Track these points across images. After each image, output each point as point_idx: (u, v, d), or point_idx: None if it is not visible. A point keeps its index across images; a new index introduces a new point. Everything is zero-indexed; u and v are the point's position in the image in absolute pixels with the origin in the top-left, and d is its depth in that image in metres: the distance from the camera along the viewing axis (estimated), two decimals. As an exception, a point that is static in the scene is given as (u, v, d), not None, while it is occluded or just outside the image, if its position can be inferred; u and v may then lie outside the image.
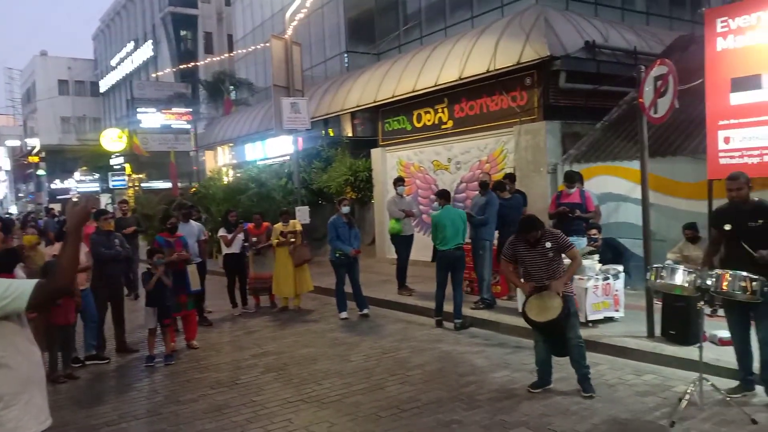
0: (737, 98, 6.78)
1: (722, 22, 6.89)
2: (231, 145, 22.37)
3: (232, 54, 29.73)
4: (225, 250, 9.54)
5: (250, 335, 8.07)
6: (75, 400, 5.76)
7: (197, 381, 6.14)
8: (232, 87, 27.84)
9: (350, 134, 16.13)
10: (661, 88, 6.39)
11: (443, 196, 8.08)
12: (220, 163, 23.39)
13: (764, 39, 6.54)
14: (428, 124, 12.84)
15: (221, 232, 9.56)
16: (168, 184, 24.41)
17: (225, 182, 18.74)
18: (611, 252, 8.02)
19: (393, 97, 13.11)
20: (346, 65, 19.43)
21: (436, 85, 12.01)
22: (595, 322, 6.95)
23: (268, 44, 14.88)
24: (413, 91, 12.56)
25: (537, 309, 5.11)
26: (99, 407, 5.53)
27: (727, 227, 4.76)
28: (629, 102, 9.84)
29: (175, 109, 29.65)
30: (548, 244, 5.17)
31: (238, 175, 18.58)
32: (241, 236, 9.52)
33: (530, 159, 10.53)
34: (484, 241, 8.32)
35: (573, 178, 8.43)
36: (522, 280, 5.41)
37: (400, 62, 13.71)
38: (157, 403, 5.55)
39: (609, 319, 7.08)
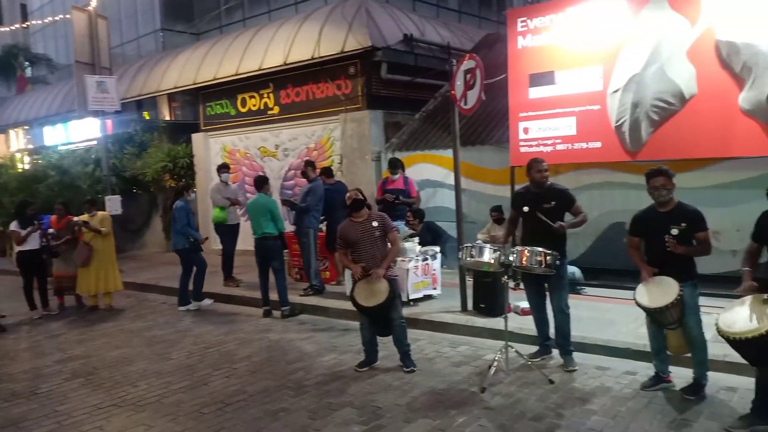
0: (534, 92, 7.52)
1: (522, 22, 7.58)
2: (26, 128, 19.76)
3: (26, 25, 26.22)
4: (19, 247, 8.38)
5: (53, 339, 7.23)
6: None
7: (-14, 396, 5.35)
8: (27, 63, 24.62)
9: (168, 118, 15.13)
10: (470, 82, 6.88)
11: (256, 183, 7.99)
12: (13, 148, 20.56)
13: (556, 40, 7.32)
14: (254, 109, 12.51)
15: (13, 226, 8.37)
16: (-54, 173, 20.98)
17: (19, 170, 16.59)
18: (431, 234, 8.49)
19: (215, 79, 12.56)
20: (162, 44, 18.18)
21: (260, 70, 11.74)
22: (416, 301, 7.34)
23: (69, 16, 13.33)
24: (236, 75, 12.14)
25: (365, 294, 5.27)
26: None
27: (525, 209, 5.27)
28: (443, 94, 10.49)
29: (-47, 86, 25.54)
30: (375, 224, 5.38)
31: (37, 161, 16.53)
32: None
33: (356, 146, 10.76)
34: (307, 228, 8.33)
35: (396, 165, 8.82)
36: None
37: (222, 43, 13.16)
38: (-69, 427, 4.74)
39: (428, 297, 7.53)
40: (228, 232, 9.59)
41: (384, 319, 5.34)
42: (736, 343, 3.66)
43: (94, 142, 14.65)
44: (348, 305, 7.46)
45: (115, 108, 11.25)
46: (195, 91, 13.47)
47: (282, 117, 12.01)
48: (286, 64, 11.31)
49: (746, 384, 4.23)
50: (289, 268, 9.23)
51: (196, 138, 13.53)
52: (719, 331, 3.73)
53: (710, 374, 4.51)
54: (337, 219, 8.67)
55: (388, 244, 5.47)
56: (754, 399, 3.91)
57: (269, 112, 12.24)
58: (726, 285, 5.54)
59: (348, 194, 5.44)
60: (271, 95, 12.17)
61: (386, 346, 5.61)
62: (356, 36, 10.48)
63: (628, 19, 6.84)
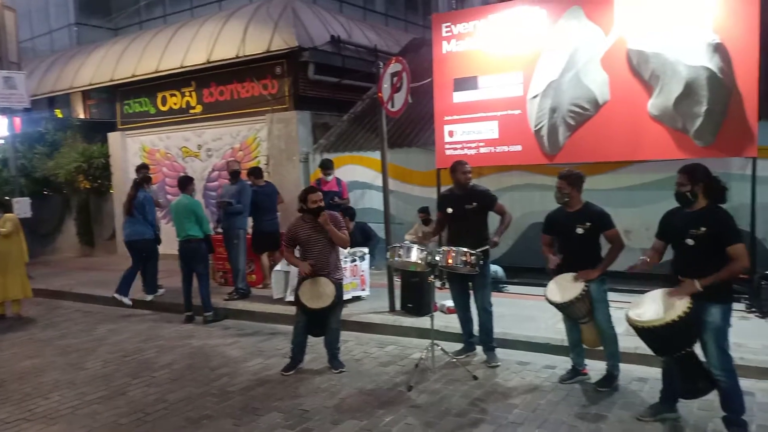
0: (459, 97, 7.69)
1: (446, 27, 7.72)
2: None
3: None
4: None
5: (-47, 352, 6.72)
6: None
7: None
8: None
9: (83, 116, 14.40)
10: (397, 85, 6.95)
11: (180, 183, 7.77)
12: None
13: (479, 45, 7.50)
14: (175, 107, 12.11)
15: None
16: None
17: None
18: (362, 235, 8.51)
19: (133, 76, 12.06)
20: (76, 39, 17.30)
21: (182, 67, 11.39)
22: (345, 302, 7.31)
23: (-29, 5, 12.45)
24: (156, 72, 11.72)
25: (309, 294, 5.22)
26: None
27: (449, 210, 5.40)
28: (371, 96, 10.54)
29: None
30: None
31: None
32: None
33: (283, 147, 10.62)
34: (238, 230, 8.17)
35: (328, 166, 8.81)
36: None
37: (141, 40, 12.67)
38: None
39: (357, 298, 7.53)
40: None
41: (323, 321, 5.32)
42: (644, 331, 3.87)
43: (1, 141, 13.76)
44: (275, 308, 7.40)
45: (24, 105, 10.64)
46: (112, 88, 12.90)
47: (205, 116, 11.69)
48: (209, 62, 11.03)
49: (656, 374, 4.48)
50: (213, 272, 8.99)
51: (113, 137, 12.95)
52: (628, 320, 3.94)
53: (622, 366, 4.76)
54: (263, 221, 8.54)
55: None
56: (662, 388, 4.16)
57: (191, 111, 11.89)
58: (636, 282, 5.89)
59: (312, 198, 5.29)
60: (193, 94, 11.82)
61: (314, 348, 5.58)
62: (282, 35, 10.36)
63: (547, 28, 7.11)
